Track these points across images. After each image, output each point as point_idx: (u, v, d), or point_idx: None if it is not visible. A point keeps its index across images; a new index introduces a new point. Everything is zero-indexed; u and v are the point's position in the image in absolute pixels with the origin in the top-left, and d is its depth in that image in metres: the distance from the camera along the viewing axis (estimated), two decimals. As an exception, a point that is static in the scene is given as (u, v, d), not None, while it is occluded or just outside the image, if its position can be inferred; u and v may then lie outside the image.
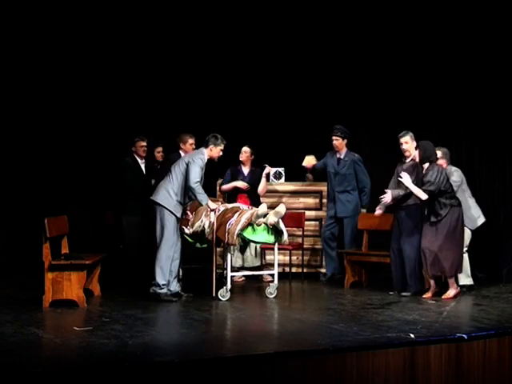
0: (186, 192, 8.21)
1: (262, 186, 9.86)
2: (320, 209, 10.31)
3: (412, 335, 6.18)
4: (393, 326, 6.69)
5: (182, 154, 8.97)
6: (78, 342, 6.04)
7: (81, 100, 10.95)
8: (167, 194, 8.19)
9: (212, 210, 8.29)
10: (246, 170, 9.96)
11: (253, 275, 9.58)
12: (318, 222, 10.31)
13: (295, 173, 10.22)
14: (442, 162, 8.81)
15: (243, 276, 9.74)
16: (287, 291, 9.14)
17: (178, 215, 8.24)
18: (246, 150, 9.94)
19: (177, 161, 8.42)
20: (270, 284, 8.63)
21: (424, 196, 8.26)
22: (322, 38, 11.18)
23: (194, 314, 7.43)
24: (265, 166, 9.86)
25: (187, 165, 8.16)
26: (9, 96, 10.69)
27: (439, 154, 8.82)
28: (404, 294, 8.58)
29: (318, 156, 10.47)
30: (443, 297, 8.26)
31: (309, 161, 10.39)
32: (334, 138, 9.74)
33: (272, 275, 8.84)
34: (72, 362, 5.44)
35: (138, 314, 7.29)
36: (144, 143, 9.77)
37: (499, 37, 9.93)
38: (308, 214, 10.10)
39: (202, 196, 8.13)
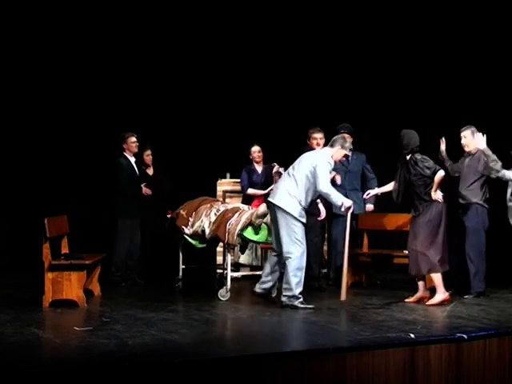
0: (309, 196, 7.73)
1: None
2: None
3: (412, 335, 6.18)
4: (393, 326, 6.68)
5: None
6: (77, 341, 6.04)
7: (80, 100, 10.94)
8: (291, 199, 7.66)
9: (348, 208, 7.77)
10: (259, 168, 9.82)
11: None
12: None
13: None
14: None
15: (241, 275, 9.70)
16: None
17: (304, 221, 7.72)
18: (257, 149, 9.79)
19: (297, 161, 7.90)
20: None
21: (441, 173, 7.79)
22: (322, 39, 11.18)
23: (194, 314, 7.42)
24: (273, 165, 9.63)
25: (314, 168, 7.65)
26: (8, 96, 10.69)
27: None
28: (466, 296, 8.23)
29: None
30: (427, 303, 7.84)
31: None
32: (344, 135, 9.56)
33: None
34: (72, 362, 5.43)
35: (138, 314, 7.28)
36: (135, 138, 9.54)
37: (499, 36, 9.94)
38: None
39: (336, 198, 7.69)
